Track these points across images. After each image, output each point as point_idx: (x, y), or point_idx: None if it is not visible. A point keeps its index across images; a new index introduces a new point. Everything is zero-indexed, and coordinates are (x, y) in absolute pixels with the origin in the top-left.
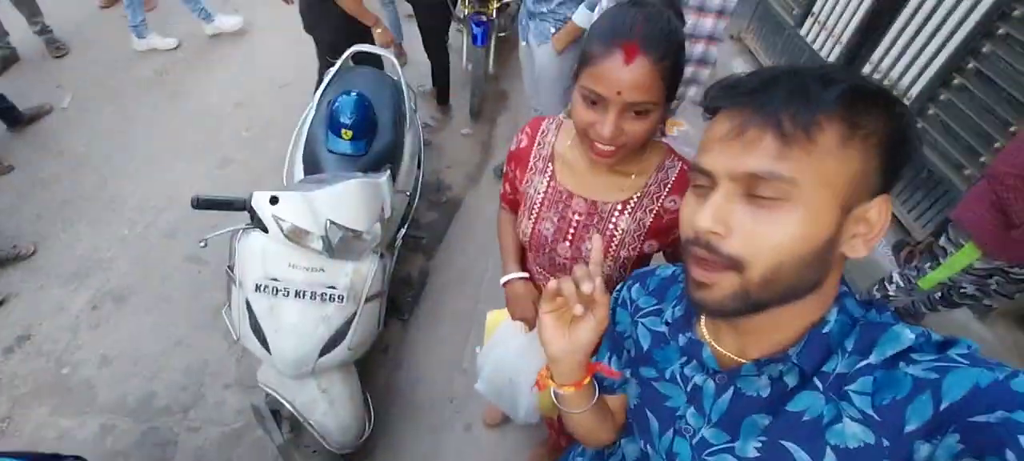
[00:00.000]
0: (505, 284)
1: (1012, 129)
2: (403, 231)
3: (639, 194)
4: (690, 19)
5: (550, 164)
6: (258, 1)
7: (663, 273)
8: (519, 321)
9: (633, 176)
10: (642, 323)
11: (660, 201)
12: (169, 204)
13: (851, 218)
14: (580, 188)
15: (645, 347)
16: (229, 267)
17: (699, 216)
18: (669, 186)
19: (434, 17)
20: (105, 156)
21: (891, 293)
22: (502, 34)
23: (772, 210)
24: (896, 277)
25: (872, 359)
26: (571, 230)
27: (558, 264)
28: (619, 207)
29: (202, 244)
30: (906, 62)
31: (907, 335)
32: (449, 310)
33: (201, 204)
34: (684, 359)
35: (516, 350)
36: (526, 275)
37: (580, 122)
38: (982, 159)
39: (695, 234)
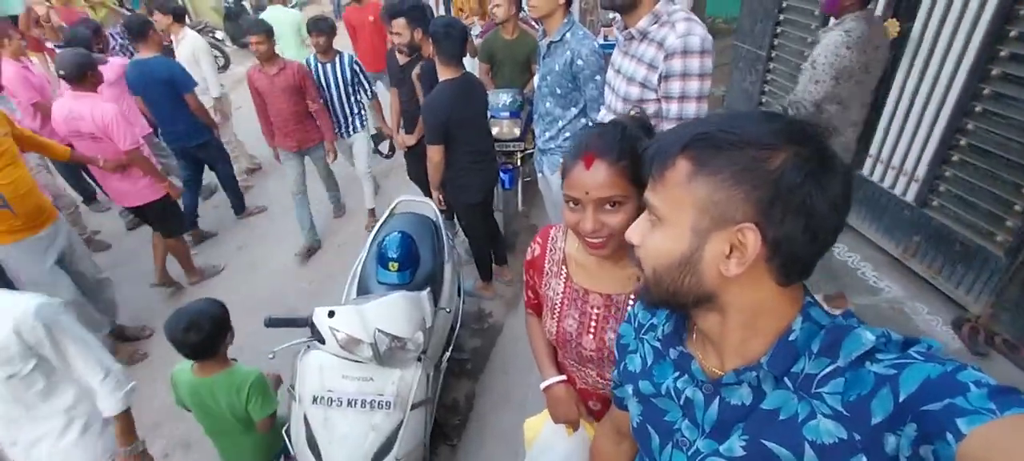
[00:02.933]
0: (545, 389)
1: None
2: (448, 354)
3: None
4: (673, 107)
5: (564, 267)
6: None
7: None
8: (562, 424)
9: None
10: (646, 339)
11: None
12: (238, 353)
13: (716, 239)
14: (595, 284)
15: (649, 362)
16: (290, 386)
17: (627, 231)
18: None
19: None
20: None
21: None
22: (527, 179)
23: (652, 227)
24: None
25: (841, 362)
26: (593, 324)
27: (585, 357)
28: (632, 298)
29: (271, 356)
30: (903, 149)
31: (868, 336)
32: (497, 430)
33: (272, 323)
34: (677, 373)
35: (563, 454)
36: (564, 377)
37: (568, 223)
38: (1008, 223)
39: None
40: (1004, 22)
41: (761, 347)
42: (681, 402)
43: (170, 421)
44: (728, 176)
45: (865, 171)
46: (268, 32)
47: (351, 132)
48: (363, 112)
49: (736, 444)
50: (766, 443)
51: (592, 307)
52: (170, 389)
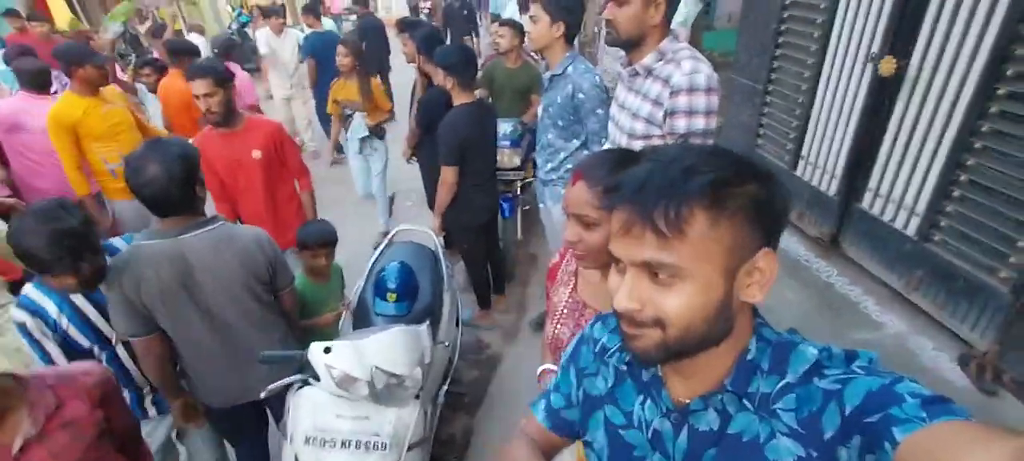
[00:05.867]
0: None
1: None
2: (445, 387)
3: None
4: (681, 123)
5: (574, 277)
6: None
7: None
8: None
9: None
10: (610, 362)
11: None
12: None
13: (741, 274)
14: (595, 301)
15: (610, 384)
16: (281, 423)
17: (618, 298)
18: None
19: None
20: None
21: None
22: (526, 208)
23: (670, 287)
24: None
25: (790, 378)
26: None
27: None
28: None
29: (262, 396)
30: (903, 183)
31: (811, 350)
32: None
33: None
34: (641, 398)
35: None
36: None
37: (565, 233)
38: (1011, 259)
39: (618, 311)
40: (1001, 62)
41: (723, 369)
42: (649, 435)
43: None
44: (745, 213)
45: (864, 204)
46: None
47: None
48: None
49: None
50: None
51: (587, 322)
52: None
